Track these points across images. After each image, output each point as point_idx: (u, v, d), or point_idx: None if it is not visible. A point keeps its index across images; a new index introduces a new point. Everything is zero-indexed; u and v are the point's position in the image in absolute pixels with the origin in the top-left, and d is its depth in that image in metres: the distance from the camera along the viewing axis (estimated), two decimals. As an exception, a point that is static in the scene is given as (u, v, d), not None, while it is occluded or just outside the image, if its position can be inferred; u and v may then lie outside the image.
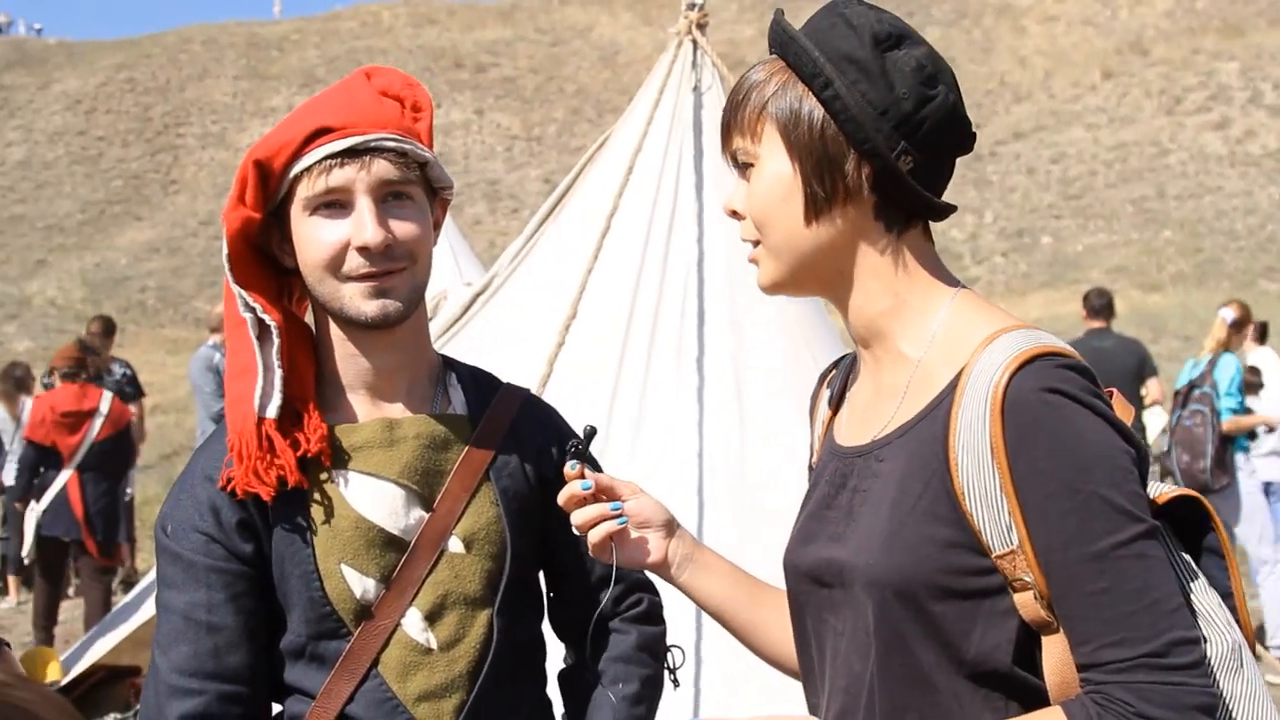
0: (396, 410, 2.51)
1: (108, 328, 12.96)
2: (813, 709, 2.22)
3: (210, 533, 2.39)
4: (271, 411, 2.40)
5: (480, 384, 2.68)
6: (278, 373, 2.43)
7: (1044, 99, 43.93)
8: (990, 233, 37.13)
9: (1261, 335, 12.02)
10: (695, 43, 5.74)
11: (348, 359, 2.50)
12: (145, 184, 48.94)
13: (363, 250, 2.37)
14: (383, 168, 2.39)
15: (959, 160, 2.16)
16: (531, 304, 5.66)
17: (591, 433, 2.41)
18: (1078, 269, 33.49)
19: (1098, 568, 1.82)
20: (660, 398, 5.28)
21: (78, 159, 50.47)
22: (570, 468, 2.39)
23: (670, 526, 2.45)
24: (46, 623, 10.44)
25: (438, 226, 2.55)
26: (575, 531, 2.40)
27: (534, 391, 4.90)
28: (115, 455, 10.55)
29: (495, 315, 5.82)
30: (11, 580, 13.73)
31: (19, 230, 45.25)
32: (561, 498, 2.41)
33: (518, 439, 2.61)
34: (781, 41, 2.09)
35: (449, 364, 2.69)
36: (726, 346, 5.36)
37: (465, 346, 5.75)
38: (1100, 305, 11.83)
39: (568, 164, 41.61)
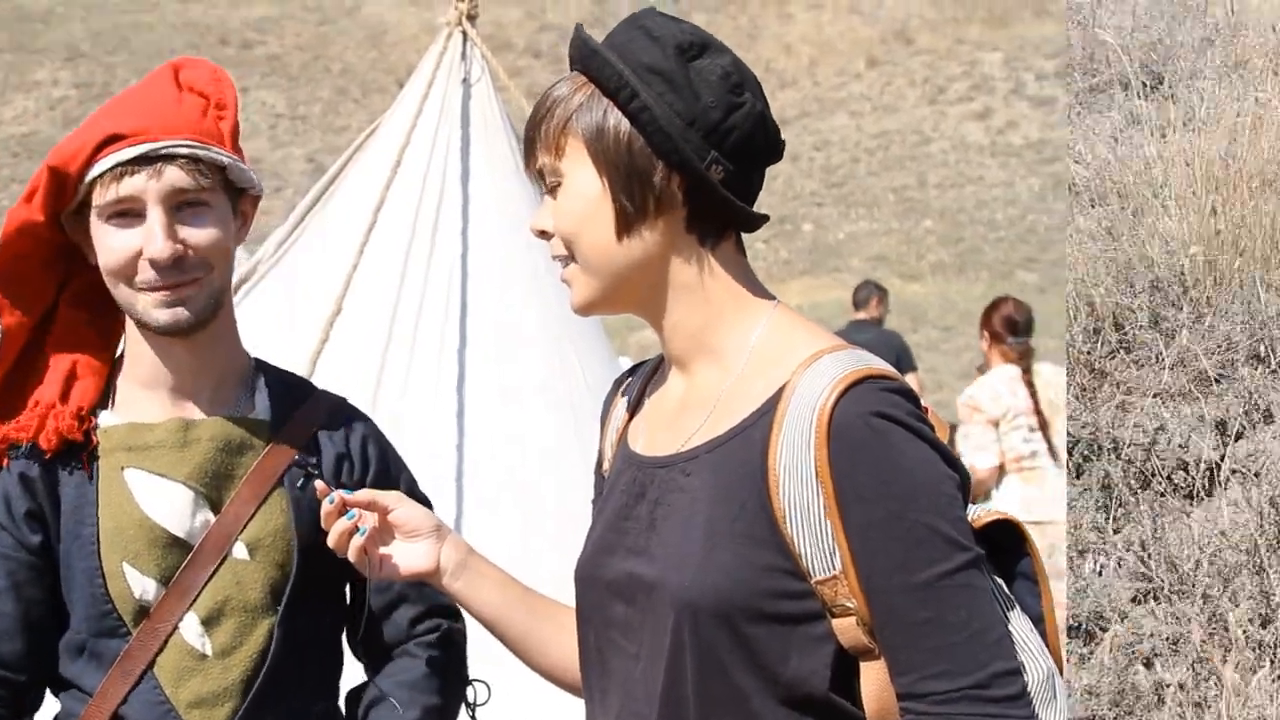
0: (196, 412, 2.46)
1: None
2: None
3: None
4: None
5: (291, 389, 2.62)
6: None
7: (809, 86, 44.47)
8: (754, 219, 37.44)
9: None
10: (465, 33, 5.70)
11: (146, 359, 2.46)
12: (-106, 157, 46.97)
13: (152, 263, 2.33)
14: (174, 176, 2.35)
15: None
16: (296, 295, 5.56)
17: (303, 464, 2.45)
18: (838, 257, 33.91)
19: (921, 597, 1.83)
20: (422, 391, 5.24)
21: None
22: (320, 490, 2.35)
23: (440, 533, 2.38)
24: None
25: (247, 224, 2.54)
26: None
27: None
28: None
29: (258, 306, 5.72)
30: None
31: None
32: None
33: (319, 447, 2.55)
34: (584, 55, 2.05)
35: (261, 367, 2.62)
36: (490, 340, 5.34)
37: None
38: (862, 298, 12.19)
39: (332, 144, 40.93)
